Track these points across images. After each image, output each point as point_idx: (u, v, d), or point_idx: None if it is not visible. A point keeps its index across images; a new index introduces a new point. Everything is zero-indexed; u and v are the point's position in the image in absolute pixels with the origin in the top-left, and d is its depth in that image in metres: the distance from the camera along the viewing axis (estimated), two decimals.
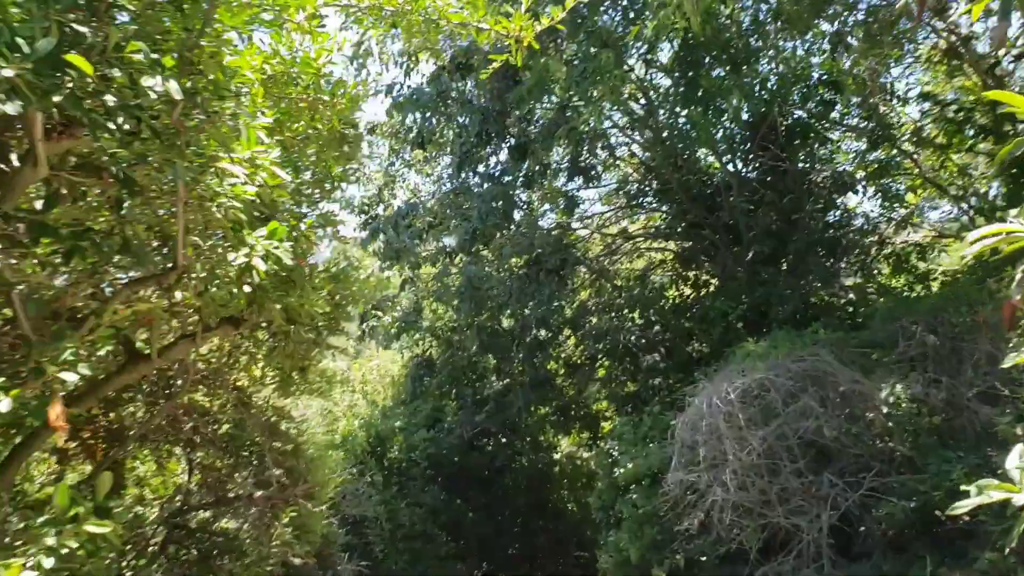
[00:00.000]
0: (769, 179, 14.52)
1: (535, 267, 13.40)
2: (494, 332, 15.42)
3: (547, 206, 16.72)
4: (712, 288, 15.43)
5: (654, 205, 16.54)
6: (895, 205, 14.75)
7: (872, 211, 15.52)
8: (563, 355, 17.66)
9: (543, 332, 15.91)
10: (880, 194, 14.62)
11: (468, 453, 16.75)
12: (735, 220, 14.44)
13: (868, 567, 8.06)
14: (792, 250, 14.33)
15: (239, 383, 6.42)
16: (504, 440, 18.21)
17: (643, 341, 13.85)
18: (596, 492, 12.02)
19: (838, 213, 14.25)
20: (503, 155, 14.30)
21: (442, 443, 16.10)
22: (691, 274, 15.69)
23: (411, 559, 13.42)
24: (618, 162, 16.69)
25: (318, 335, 6.30)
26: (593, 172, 15.40)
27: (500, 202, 13.24)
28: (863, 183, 14.54)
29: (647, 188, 16.19)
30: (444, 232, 14.05)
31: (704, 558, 9.14)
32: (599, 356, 16.22)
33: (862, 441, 8.60)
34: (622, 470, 10.81)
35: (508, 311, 14.97)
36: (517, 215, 14.99)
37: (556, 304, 14.47)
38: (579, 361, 17.44)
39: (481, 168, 13.80)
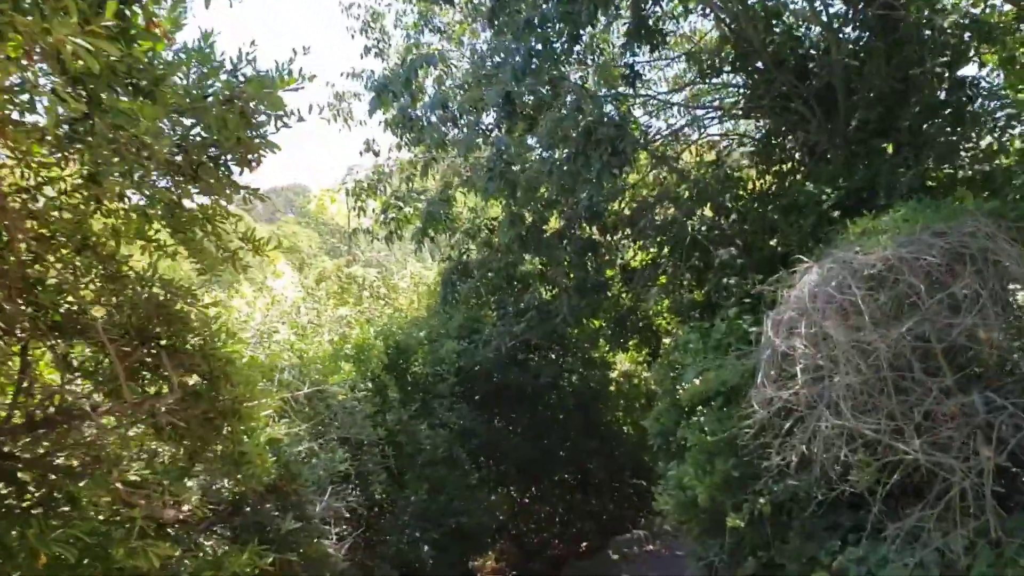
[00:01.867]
0: (878, 33, 11.52)
1: (584, 139, 10.81)
2: (534, 227, 13.00)
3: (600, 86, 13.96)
4: (801, 173, 12.66)
5: (734, 81, 13.61)
6: None
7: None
8: (619, 259, 15.19)
9: (593, 228, 13.45)
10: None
11: (508, 368, 14.61)
12: (833, 83, 11.55)
13: None
14: (906, 119, 11.45)
15: (103, 240, 4.21)
16: (552, 355, 16.00)
17: (715, 233, 11.25)
18: (654, 413, 9.71)
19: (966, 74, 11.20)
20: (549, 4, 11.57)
21: (476, 356, 13.96)
22: (775, 156, 12.89)
23: (433, 488, 11.42)
24: (688, 24, 13.78)
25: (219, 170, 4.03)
26: (659, 35, 12.52)
27: (540, 60, 10.61)
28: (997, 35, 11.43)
29: (726, 57, 13.25)
30: (477, 103, 11.55)
31: (799, 505, 6.81)
32: (661, 256, 13.70)
33: None
34: (688, 386, 8.46)
35: (550, 197, 12.50)
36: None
37: (609, 186, 11.92)
38: (638, 265, 14.97)
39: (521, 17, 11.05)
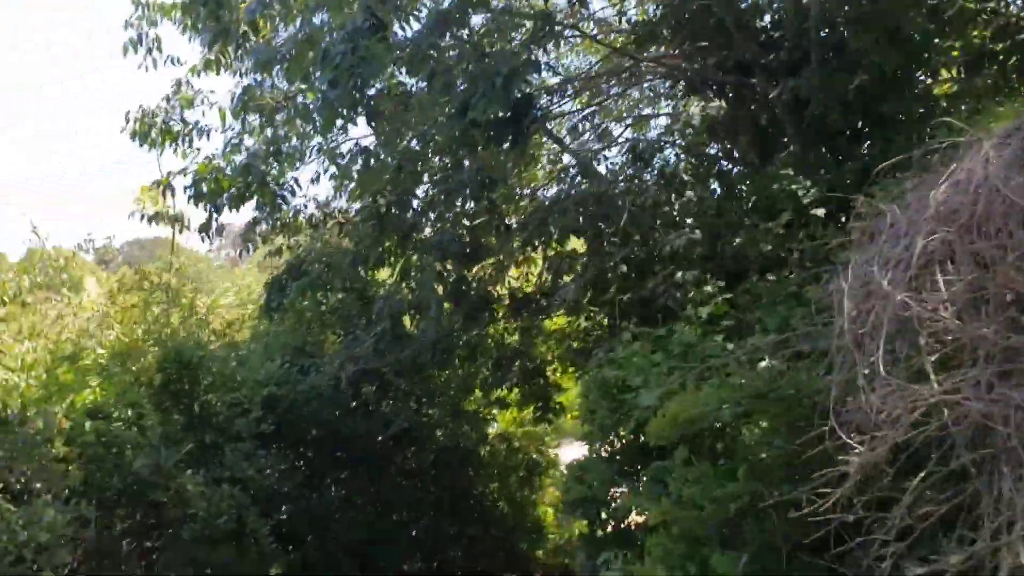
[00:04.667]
0: None
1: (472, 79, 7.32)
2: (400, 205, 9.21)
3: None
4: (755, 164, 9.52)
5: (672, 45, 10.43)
6: None
7: None
8: (509, 278, 11.56)
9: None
10: None
11: (348, 411, 10.50)
12: (810, 52, 8.48)
13: None
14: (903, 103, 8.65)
15: None
16: (411, 400, 11.98)
17: (664, 211, 7.74)
18: (572, 469, 5.89)
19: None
20: None
21: (303, 388, 9.79)
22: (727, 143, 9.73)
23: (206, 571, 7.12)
24: None
25: None
26: None
27: None
28: None
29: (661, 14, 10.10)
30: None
31: None
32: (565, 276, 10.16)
33: None
34: (647, 416, 4.74)
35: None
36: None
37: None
38: (531, 289, 11.38)
39: None
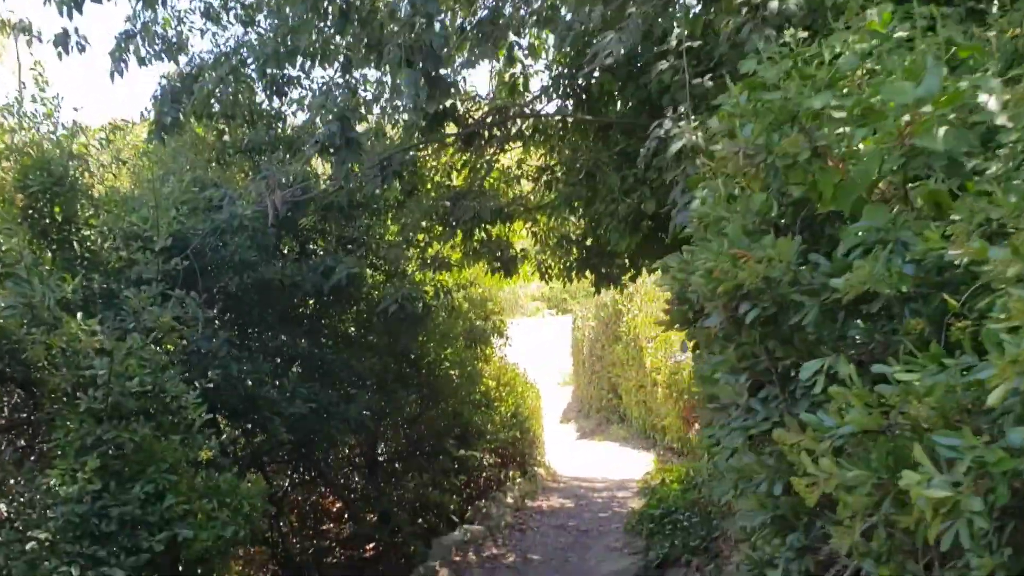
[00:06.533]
0: None
1: None
2: None
3: None
4: None
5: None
6: None
7: None
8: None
9: None
10: None
11: (277, 253, 8.25)
12: None
13: None
14: None
15: None
16: (351, 247, 9.84)
17: None
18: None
19: None
20: None
21: (221, 218, 7.40)
22: None
23: (112, 469, 4.99)
24: None
25: None
26: None
27: None
28: None
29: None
30: None
31: None
32: None
33: None
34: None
35: None
36: None
37: None
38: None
39: None
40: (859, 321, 2.47)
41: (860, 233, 2.46)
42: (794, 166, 2.66)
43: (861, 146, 2.52)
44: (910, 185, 2.51)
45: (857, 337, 2.44)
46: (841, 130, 2.50)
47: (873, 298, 2.34)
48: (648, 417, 15.93)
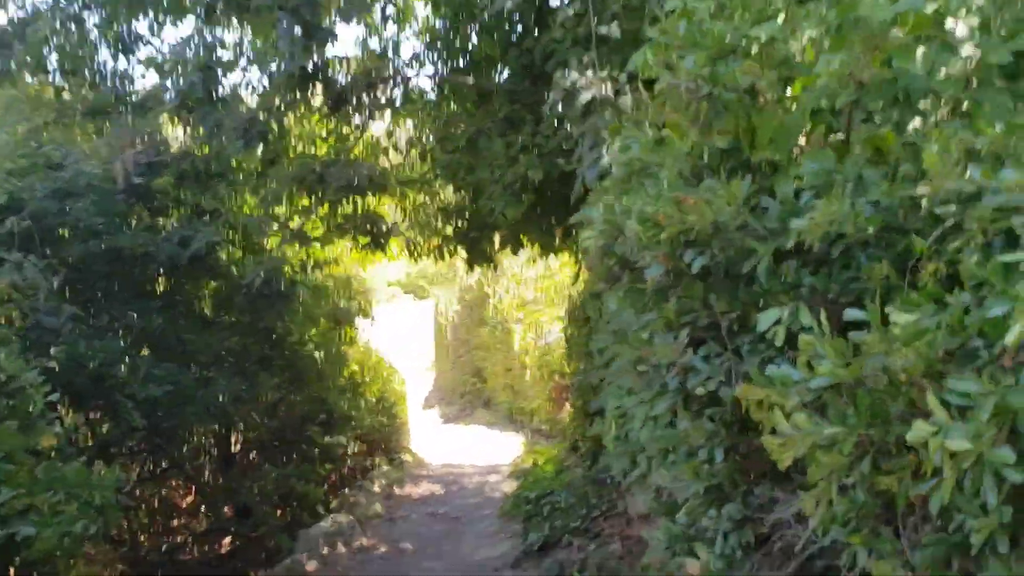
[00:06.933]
0: None
1: None
2: None
3: None
4: None
5: None
6: None
7: None
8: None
9: None
10: None
11: (125, 220, 7.49)
12: None
13: None
14: None
15: None
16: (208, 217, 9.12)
17: None
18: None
19: None
20: None
21: (63, 177, 6.61)
22: None
23: None
24: None
25: None
26: None
27: None
28: None
29: None
30: None
31: None
32: None
33: None
34: None
35: None
36: None
37: None
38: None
39: None
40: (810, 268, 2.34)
41: (805, 178, 2.33)
42: (739, 103, 2.52)
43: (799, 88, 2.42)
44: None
45: (814, 285, 2.31)
46: (799, 57, 2.38)
47: (834, 241, 2.20)
48: (516, 400, 15.91)
